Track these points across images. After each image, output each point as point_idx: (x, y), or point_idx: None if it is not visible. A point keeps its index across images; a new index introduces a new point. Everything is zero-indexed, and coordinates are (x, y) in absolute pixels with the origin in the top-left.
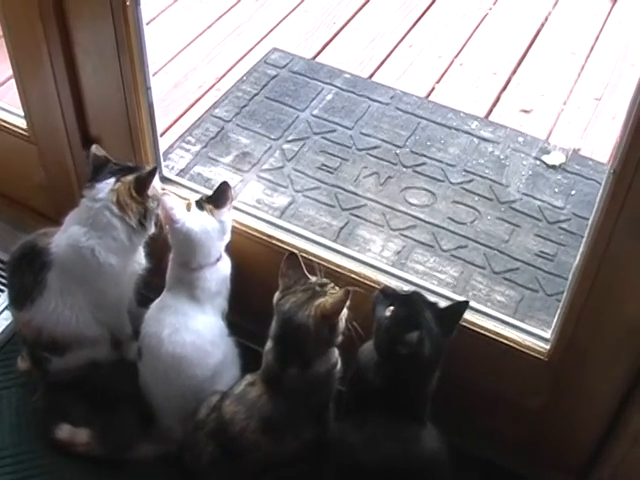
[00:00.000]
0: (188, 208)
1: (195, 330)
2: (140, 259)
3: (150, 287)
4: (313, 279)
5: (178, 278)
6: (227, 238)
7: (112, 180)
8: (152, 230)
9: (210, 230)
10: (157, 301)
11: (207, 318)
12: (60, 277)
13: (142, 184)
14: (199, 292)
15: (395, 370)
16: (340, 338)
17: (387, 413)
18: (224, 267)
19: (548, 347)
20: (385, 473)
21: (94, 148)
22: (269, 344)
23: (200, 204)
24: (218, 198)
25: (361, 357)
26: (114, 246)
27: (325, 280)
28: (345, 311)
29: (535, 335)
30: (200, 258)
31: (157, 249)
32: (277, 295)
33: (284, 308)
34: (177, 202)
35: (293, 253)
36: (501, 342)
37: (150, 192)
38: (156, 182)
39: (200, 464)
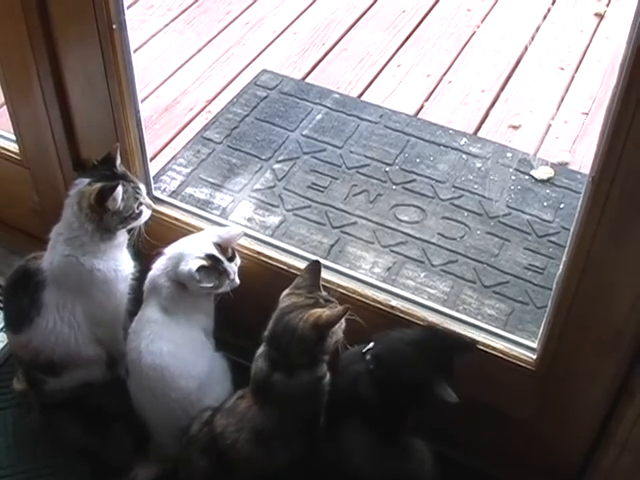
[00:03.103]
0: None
1: (171, 340)
2: (128, 260)
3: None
4: (324, 293)
5: (152, 287)
6: None
7: (86, 181)
8: (119, 237)
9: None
10: (136, 316)
11: (182, 329)
12: (56, 293)
13: (102, 196)
14: (167, 302)
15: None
16: (326, 356)
17: (363, 424)
18: None
19: (535, 357)
20: None
21: (113, 147)
22: (261, 348)
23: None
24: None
25: (347, 362)
26: (92, 249)
27: (334, 300)
28: (338, 331)
29: (522, 345)
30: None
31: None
32: (285, 291)
33: (283, 304)
34: None
35: (317, 261)
36: (488, 352)
37: (110, 205)
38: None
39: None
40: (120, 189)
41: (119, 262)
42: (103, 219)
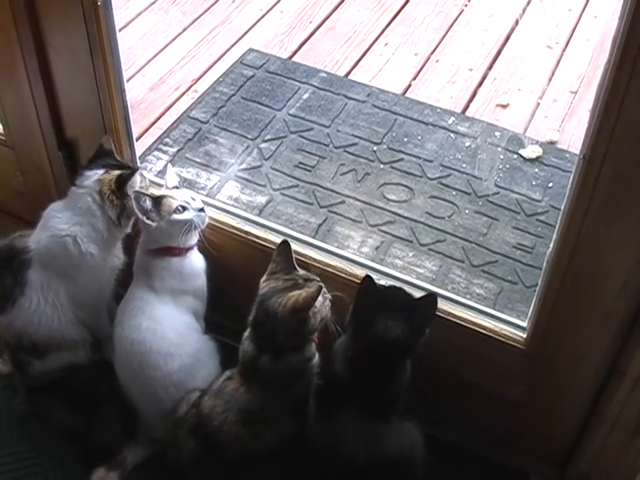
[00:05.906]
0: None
1: (153, 317)
2: (119, 254)
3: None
4: (301, 272)
5: (140, 265)
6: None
7: (101, 171)
8: (128, 229)
9: None
10: (125, 295)
11: (168, 309)
12: (41, 273)
13: (122, 181)
14: (154, 280)
15: (363, 358)
16: (314, 335)
17: (355, 408)
18: (184, 263)
19: (525, 336)
20: (352, 468)
21: (104, 139)
22: (248, 330)
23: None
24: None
25: (335, 349)
26: (94, 236)
27: (315, 277)
28: (322, 309)
29: (512, 324)
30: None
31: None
32: (263, 277)
33: (262, 291)
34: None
35: (285, 240)
36: (478, 332)
37: (130, 192)
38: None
39: (182, 461)
40: (138, 175)
41: (112, 252)
42: (126, 205)
